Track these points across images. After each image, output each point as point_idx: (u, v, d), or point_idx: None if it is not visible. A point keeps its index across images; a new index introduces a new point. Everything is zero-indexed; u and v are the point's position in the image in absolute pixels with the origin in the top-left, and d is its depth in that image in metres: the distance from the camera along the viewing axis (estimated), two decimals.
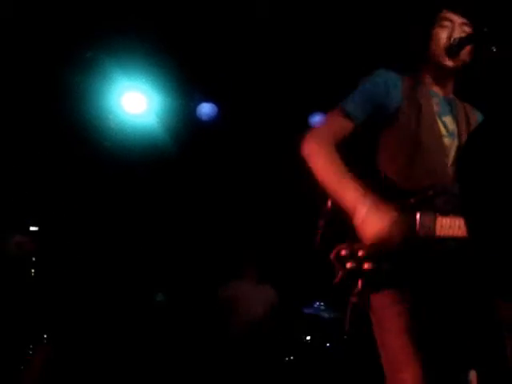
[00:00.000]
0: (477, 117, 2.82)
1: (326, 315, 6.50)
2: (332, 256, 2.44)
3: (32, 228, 5.43)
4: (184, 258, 6.85)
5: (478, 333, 2.46)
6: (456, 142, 2.68)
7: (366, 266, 2.37)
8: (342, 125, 2.62)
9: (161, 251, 6.73)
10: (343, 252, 2.42)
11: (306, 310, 6.61)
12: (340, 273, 2.43)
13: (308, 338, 6.53)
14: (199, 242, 6.93)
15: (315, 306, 6.63)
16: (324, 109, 6.59)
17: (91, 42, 5.79)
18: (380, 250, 2.35)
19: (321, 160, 2.54)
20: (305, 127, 2.72)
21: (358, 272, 2.39)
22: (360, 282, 2.43)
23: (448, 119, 2.70)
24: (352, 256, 2.40)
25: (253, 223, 6.95)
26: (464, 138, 2.69)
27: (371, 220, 2.34)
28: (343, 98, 2.68)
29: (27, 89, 5.79)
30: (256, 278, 6.45)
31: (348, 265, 2.40)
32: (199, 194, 6.89)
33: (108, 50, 5.86)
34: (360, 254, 2.38)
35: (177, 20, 5.74)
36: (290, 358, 6.36)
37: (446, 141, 2.65)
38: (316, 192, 2.56)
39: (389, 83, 2.63)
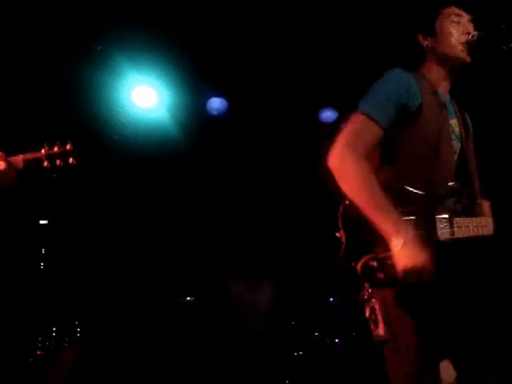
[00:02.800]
0: (468, 120, 2.82)
1: (335, 311, 6.49)
2: (359, 268, 2.40)
3: (42, 221, 5.45)
4: (190, 253, 6.84)
5: (497, 332, 2.46)
6: (459, 145, 2.67)
7: (393, 275, 2.35)
8: (371, 133, 2.54)
9: (169, 246, 6.72)
10: (371, 263, 2.39)
11: (316, 307, 6.61)
12: (367, 284, 2.40)
13: (317, 333, 6.52)
14: (205, 237, 6.91)
15: (326, 301, 6.62)
16: (333, 103, 6.62)
17: (102, 35, 5.78)
18: (407, 279, 2.33)
19: (357, 182, 2.46)
20: (314, 121, 2.69)
21: (389, 282, 2.37)
22: (368, 286, 2.42)
23: (454, 122, 2.70)
24: (381, 267, 2.38)
25: (262, 218, 6.93)
26: (465, 140, 2.68)
27: (407, 254, 2.31)
28: (353, 93, 2.64)
29: (38, 82, 5.79)
30: (257, 275, 6.42)
31: (379, 275, 2.37)
32: (209, 189, 6.87)
33: (118, 43, 5.85)
34: (389, 263, 2.36)
35: (187, 14, 5.73)
36: (299, 354, 6.36)
37: (454, 144, 2.64)
38: (327, 189, 2.54)
39: (409, 83, 2.59)
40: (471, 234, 2.47)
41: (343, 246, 2.48)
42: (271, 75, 6.26)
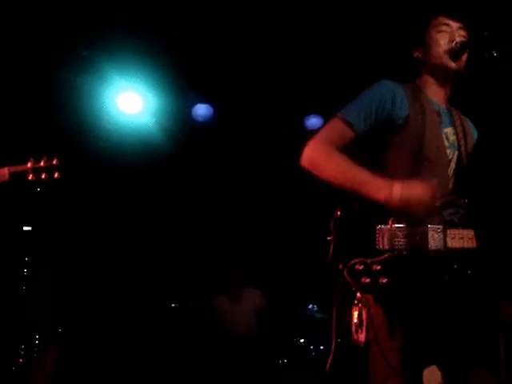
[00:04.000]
0: (471, 128, 2.83)
1: (319, 317, 6.49)
2: (346, 271, 2.41)
3: (25, 228, 5.41)
4: (176, 259, 6.82)
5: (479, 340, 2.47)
6: (456, 153, 2.68)
7: (382, 280, 2.36)
8: (341, 133, 2.58)
9: (153, 253, 6.71)
10: (358, 267, 2.39)
11: (300, 313, 6.60)
12: (353, 288, 2.41)
13: (302, 340, 6.52)
14: (193, 243, 6.90)
15: (308, 308, 6.62)
16: (319, 111, 6.63)
17: (87, 41, 5.77)
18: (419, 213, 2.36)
19: (330, 162, 2.52)
20: (300, 128, 2.70)
21: (373, 287, 2.38)
22: (372, 297, 2.42)
23: (449, 130, 2.70)
24: (367, 271, 2.38)
25: (246, 225, 6.93)
26: (463, 149, 2.69)
27: (409, 189, 2.35)
28: (338, 100, 2.66)
29: (22, 88, 5.76)
30: (242, 286, 6.39)
31: (363, 280, 2.38)
32: (194, 195, 6.87)
33: (104, 49, 5.84)
34: (375, 268, 2.37)
35: (173, 21, 5.73)
36: (283, 361, 6.35)
37: (448, 152, 2.65)
38: (312, 195, 2.55)
39: (395, 94, 2.60)
40: (465, 245, 2.48)
41: (332, 248, 2.49)
42: (257, 82, 6.27)
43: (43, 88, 5.88)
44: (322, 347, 6.34)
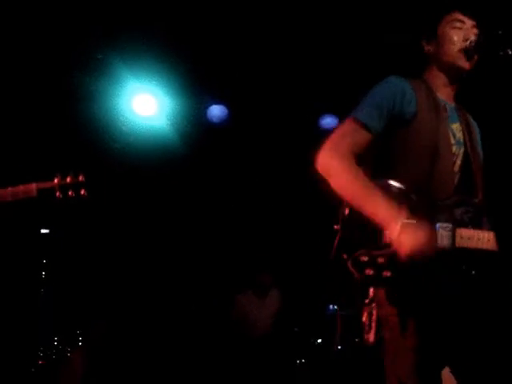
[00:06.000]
0: (474, 125, 2.81)
1: (338, 317, 6.48)
2: (350, 262, 2.41)
3: (43, 230, 5.44)
4: (190, 261, 6.83)
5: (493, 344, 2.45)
6: (463, 150, 2.66)
7: (386, 273, 2.35)
8: (360, 137, 2.54)
9: (169, 253, 6.72)
10: (363, 258, 2.38)
11: (319, 313, 6.60)
12: (357, 279, 2.40)
13: (319, 340, 6.51)
14: (209, 246, 6.90)
15: (328, 308, 6.62)
16: (334, 110, 6.62)
17: (102, 44, 5.79)
18: (414, 261, 2.32)
19: (344, 176, 2.47)
20: (315, 129, 2.68)
21: (376, 279, 2.38)
22: (372, 290, 2.42)
23: (455, 126, 2.68)
24: (372, 263, 2.38)
25: (264, 226, 6.93)
26: (469, 145, 2.67)
27: (408, 235, 2.31)
28: (352, 99, 2.64)
29: (37, 91, 5.79)
30: (269, 286, 6.40)
31: (367, 271, 2.37)
32: (209, 197, 6.87)
33: (118, 52, 5.86)
34: (380, 261, 2.36)
35: (187, 22, 5.74)
36: (301, 361, 6.35)
37: (454, 149, 2.63)
38: (327, 195, 2.54)
39: (404, 90, 2.58)
40: (474, 245, 2.46)
41: (338, 238, 2.48)
42: (271, 82, 6.27)
43: (58, 91, 5.92)
44: (340, 347, 6.33)
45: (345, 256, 2.42)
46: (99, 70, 6.02)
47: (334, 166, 2.49)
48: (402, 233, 2.31)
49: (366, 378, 5.67)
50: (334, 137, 2.56)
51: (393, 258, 2.35)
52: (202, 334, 6.48)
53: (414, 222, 2.34)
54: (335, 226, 2.51)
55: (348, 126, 2.56)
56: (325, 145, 2.54)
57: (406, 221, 2.33)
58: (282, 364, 6.26)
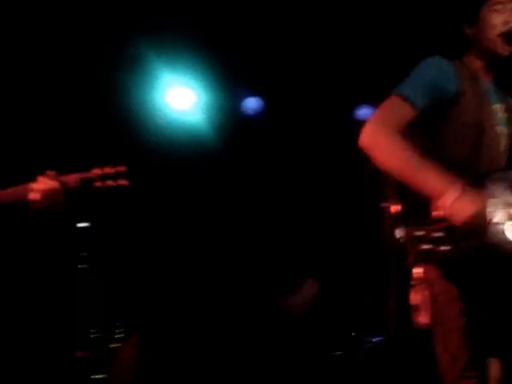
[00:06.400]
0: None
1: (373, 310, 6.43)
2: (404, 237, 2.36)
3: (81, 224, 5.49)
4: (230, 255, 6.83)
5: None
6: (506, 130, 2.63)
7: (443, 248, 2.30)
8: (403, 112, 2.52)
9: (207, 248, 6.73)
10: (417, 233, 2.34)
11: (353, 304, 6.56)
12: (411, 254, 2.36)
13: (354, 333, 6.47)
14: (244, 238, 6.90)
15: (363, 300, 6.58)
16: (371, 101, 6.56)
17: (136, 37, 5.82)
18: (469, 230, 2.28)
19: (392, 147, 2.44)
20: (351, 120, 2.65)
21: (434, 254, 2.32)
22: (423, 269, 2.38)
23: (497, 107, 2.65)
24: (427, 237, 2.32)
25: (302, 220, 6.90)
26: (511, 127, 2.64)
27: (463, 203, 2.28)
28: (388, 88, 2.61)
29: (72, 86, 5.85)
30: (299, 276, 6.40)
31: (424, 246, 2.32)
32: (245, 191, 6.86)
33: (153, 45, 5.88)
34: (436, 235, 2.31)
35: (221, 14, 5.74)
36: (338, 353, 6.32)
37: (499, 128, 2.60)
38: (370, 179, 2.51)
39: (447, 70, 2.57)
40: None
41: (389, 215, 2.45)
42: (306, 72, 6.24)
43: (93, 86, 5.96)
44: (375, 339, 6.29)
45: (397, 232, 2.39)
46: (134, 64, 6.05)
47: (380, 139, 2.47)
48: (459, 200, 2.26)
49: (404, 369, 5.63)
50: (378, 112, 2.56)
51: (449, 230, 2.30)
52: (240, 329, 6.49)
53: (469, 189, 2.30)
54: (382, 204, 2.48)
55: (392, 101, 2.55)
56: (369, 120, 2.54)
57: (461, 188, 2.29)
58: (319, 356, 6.25)
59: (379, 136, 2.47)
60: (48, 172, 2.83)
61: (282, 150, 6.75)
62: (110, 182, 2.92)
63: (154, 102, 6.40)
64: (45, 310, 5.57)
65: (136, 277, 6.31)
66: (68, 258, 5.69)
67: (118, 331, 5.70)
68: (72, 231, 5.52)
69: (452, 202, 2.27)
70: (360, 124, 2.57)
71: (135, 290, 6.24)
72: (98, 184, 2.92)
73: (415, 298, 2.41)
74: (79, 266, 5.46)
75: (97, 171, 2.93)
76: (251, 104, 6.66)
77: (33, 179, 2.88)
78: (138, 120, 6.22)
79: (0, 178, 2.99)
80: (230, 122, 6.65)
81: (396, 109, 2.53)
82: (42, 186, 2.82)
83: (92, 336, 5.50)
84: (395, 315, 2.48)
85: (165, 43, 5.88)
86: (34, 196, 2.81)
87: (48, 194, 2.82)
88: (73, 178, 2.90)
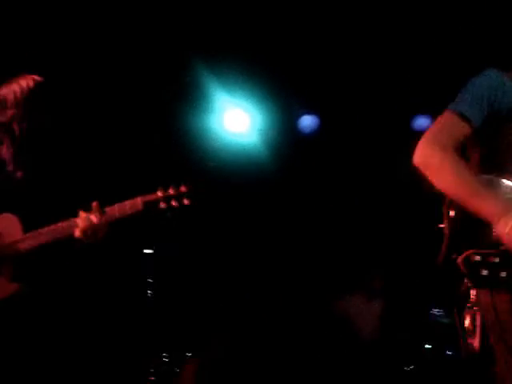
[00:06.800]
0: None
1: (445, 321, 6.33)
2: (460, 262, 2.33)
3: (146, 251, 5.57)
4: (291, 272, 6.82)
5: None
6: None
7: (502, 273, 2.26)
8: (459, 129, 2.47)
9: (271, 266, 6.73)
10: (475, 258, 2.30)
11: (425, 318, 6.47)
12: (468, 279, 2.33)
13: (428, 346, 6.37)
14: (312, 255, 6.88)
15: (433, 312, 6.47)
16: (426, 111, 6.48)
17: (190, 63, 5.92)
18: None
19: (447, 168, 2.40)
20: (408, 136, 2.62)
21: (492, 280, 2.29)
22: (475, 293, 2.34)
23: None
24: (485, 262, 2.30)
25: (363, 234, 6.84)
26: None
27: None
28: (445, 98, 2.59)
29: (130, 114, 5.96)
30: (375, 291, 6.35)
31: (482, 271, 2.29)
32: (304, 209, 6.85)
33: (209, 68, 5.96)
34: (494, 260, 2.28)
35: (274, 35, 5.79)
36: (410, 368, 6.23)
37: None
38: (427, 195, 2.48)
39: (503, 84, 2.51)
40: None
41: (445, 239, 2.40)
42: (360, 84, 6.23)
43: (150, 113, 6.07)
44: (449, 352, 6.18)
45: (454, 256, 2.35)
46: (191, 90, 6.15)
47: (434, 158, 2.42)
48: None
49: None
50: (432, 129, 2.51)
51: (506, 256, 2.27)
52: (307, 338, 6.45)
53: None
54: (440, 225, 2.44)
55: (447, 117, 2.50)
56: (423, 138, 2.49)
57: None
58: (390, 370, 6.17)
59: (433, 155, 2.42)
60: (93, 205, 2.90)
61: (339, 163, 6.72)
62: (173, 203, 2.96)
63: (211, 125, 6.47)
64: (114, 334, 5.66)
65: (197, 299, 6.36)
66: (135, 284, 5.79)
67: (180, 355, 5.75)
68: (138, 257, 5.61)
69: (510, 228, 2.22)
70: (417, 135, 2.55)
71: (198, 313, 6.28)
72: (163, 205, 2.96)
73: (469, 321, 2.37)
74: (148, 292, 5.53)
75: (160, 193, 2.97)
76: (307, 122, 6.67)
77: (88, 206, 2.94)
78: (197, 144, 6.29)
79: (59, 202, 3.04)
80: (286, 140, 6.67)
81: (452, 126, 2.48)
82: (84, 223, 2.89)
83: (160, 360, 5.56)
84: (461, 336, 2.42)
85: (221, 67, 5.96)
86: (78, 234, 2.89)
87: (91, 231, 2.89)
88: (116, 210, 2.95)
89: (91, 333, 5.13)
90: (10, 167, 3.05)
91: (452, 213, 2.41)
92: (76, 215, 2.91)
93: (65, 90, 3.52)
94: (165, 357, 5.64)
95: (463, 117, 2.46)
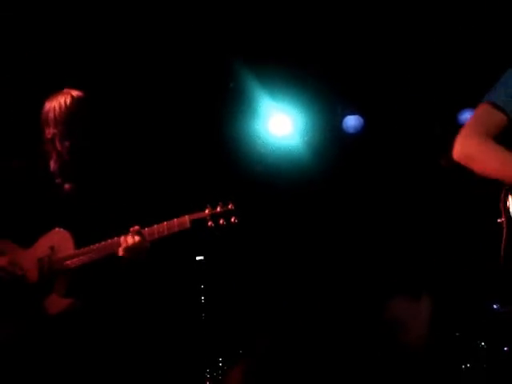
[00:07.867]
0: None
1: (502, 318, 6.24)
2: None
3: (198, 258, 5.64)
4: (339, 275, 6.80)
5: None
6: None
7: None
8: (495, 120, 2.46)
9: (314, 269, 6.72)
10: None
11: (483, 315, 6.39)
12: None
13: (483, 343, 6.29)
14: (354, 258, 6.85)
15: (492, 308, 6.39)
16: (472, 104, 6.40)
17: (234, 70, 5.96)
18: None
19: (490, 155, 2.41)
20: (454, 134, 2.61)
21: None
22: None
23: None
24: None
25: (413, 235, 6.78)
26: None
27: None
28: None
29: (176, 125, 6.03)
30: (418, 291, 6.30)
31: None
32: (350, 210, 6.81)
33: (254, 74, 5.99)
34: None
35: (315, 37, 5.80)
36: (466, 366, 6.16)
37: None
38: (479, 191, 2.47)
39: None
40: None
41: (505, 234, 2.38)
42: (404, 80, 6.20)
43: (198, 121, 6.13)
44: (506, 348, 6.09)
45: None
46: (233, 98, 6.19)
47: (471, 147, 2.44)
48: None
49: None
50: (469, 122, 2.52)
51: None
52: (351, 340, 6.44)
53: None
54: (499, 220, 2.42)
55: (482, 109, 2.51)
56: (461, 132, 2.50)
57: None
58: (446, 371, 6.12)
59: (473, 145, 2.44)
60: (132, 229, 2.97)
61: (385, 166, 6.68)
62: (221, 221, 3.01)
63: (257, 131, 6.50)
64: (171, 342, 5.74)
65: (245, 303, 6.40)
66: (188, 292, 5.86)
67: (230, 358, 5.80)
68: (190, 265, 5.68)
69: None
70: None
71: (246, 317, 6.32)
72: (210, 224, 3.01)
73: None
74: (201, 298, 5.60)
75: (208, 210, 3.02)
76: (352, 122, 6.64)
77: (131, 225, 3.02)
78: (244, 150, 6.33)
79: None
80: (330, 142, 6.66)
81: (487, 117, 2.48)
82: (126, 244, 2.97)
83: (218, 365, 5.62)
84: None
85: (264, 72, 5.98)
86: (121, 254, 2.97)
87: (133, 252, 2.97)
88: (165, 227, 3.01)
89: (146, 341, 5.22)
90: (59, 180, 3.15)
91: (509, 203, 2.40)
92: (126, 231, 2.99)
93: (109, 104, 3.59)
94: (219, 361, 5.70)
95: (498, 107, 2.46)
